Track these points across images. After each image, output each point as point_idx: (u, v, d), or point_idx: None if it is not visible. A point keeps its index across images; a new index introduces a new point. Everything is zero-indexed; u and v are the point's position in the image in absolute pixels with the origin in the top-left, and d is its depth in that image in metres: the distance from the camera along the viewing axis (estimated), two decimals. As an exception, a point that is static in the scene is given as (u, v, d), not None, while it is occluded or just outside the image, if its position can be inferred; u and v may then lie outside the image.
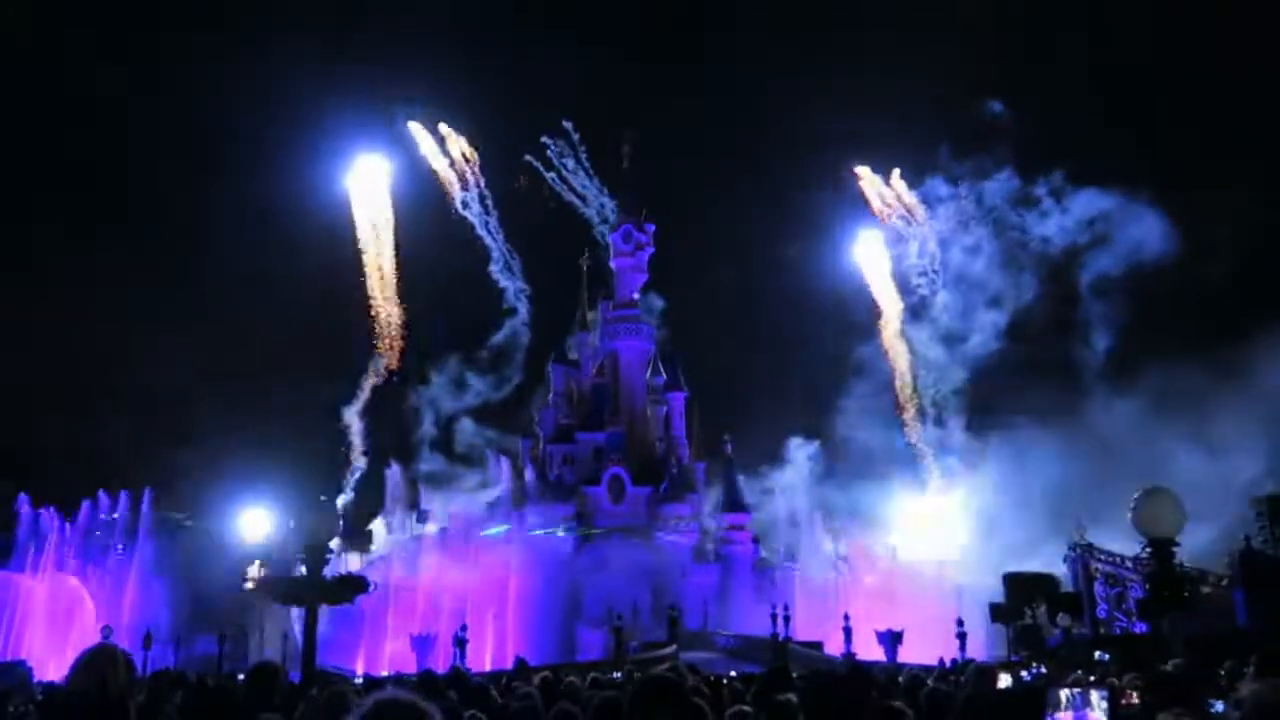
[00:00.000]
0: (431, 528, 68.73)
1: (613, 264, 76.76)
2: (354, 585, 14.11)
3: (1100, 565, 48.74)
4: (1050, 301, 66.41)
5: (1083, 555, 49.11)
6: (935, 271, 71.00)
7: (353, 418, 72.54)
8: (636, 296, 76.41)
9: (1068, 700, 5.43)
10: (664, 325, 77.74)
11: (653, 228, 76.38)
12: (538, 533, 64.58)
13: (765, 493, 68.48)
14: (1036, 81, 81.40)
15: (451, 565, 60.61)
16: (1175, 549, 11.88)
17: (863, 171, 75.23)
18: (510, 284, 78.43)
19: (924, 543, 63.44)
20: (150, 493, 62.66)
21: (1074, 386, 62.13)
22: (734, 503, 69.61)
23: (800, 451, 67.08)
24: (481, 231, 77.55)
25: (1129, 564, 43.52)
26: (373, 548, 68.02)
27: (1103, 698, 5.56)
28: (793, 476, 66.97)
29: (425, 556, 63.13)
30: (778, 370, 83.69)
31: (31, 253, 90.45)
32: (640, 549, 65.01)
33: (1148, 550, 11.87)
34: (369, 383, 72.52)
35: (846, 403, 68.39)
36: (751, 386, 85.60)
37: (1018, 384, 63.39)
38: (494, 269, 78.03)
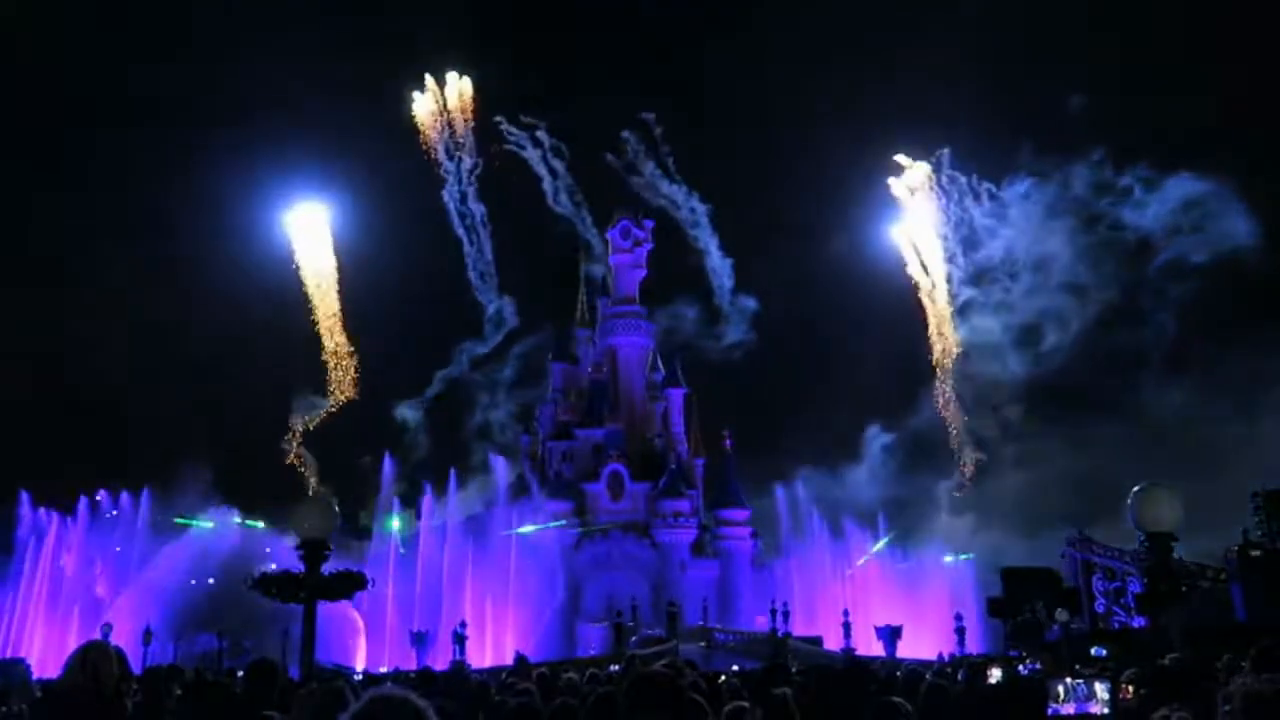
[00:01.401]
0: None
1: (611, 260, 76.56)
2: (353, 581, 14.07)
3: (1098, 560, 48.86)
4: (1123, 293, 65.49)
5: (1081, 550, 49.24)
6: (1012, 275, 70.50)
7: (411, 411, 73.26)
8: (636, 292, 76.21)
9: (1067, 692, 5.44)
10: (753, 328, 76.20)
11: (651, 224, 76.08)
12: (536, 529, 64.57)
13: (834, 486, 67.54)
14: (1118, 76, 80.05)
15: (451, 561, 60.59)
16: (1174, 543, 11.92)
17: (919, 167, 74.93)
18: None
19: (959, 537, 63.66)
20: (149, 491, 62.66)
21: (1142, 378, 61.58)
22: (733, 498, 69.66)
23: (876, 441, 67.43)
24: (581, 227, 77.73)
25: (1127, 558, 43.63)
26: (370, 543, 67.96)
27: (1106, 689, 5.57)
28: (865, 470, 67.13)
29: (425, 552, 63.09)
30: (830, 362, 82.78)
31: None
32: (639, 545, 65.10)
33: (1146, 544, 11.90)
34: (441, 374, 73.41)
35: (897, 395, 68.58)
36: (801, 381, 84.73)
37: (1082, 376, 63.13)
38: (594, 268, 78.25)
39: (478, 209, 77.31)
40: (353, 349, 74.58)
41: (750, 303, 76.13)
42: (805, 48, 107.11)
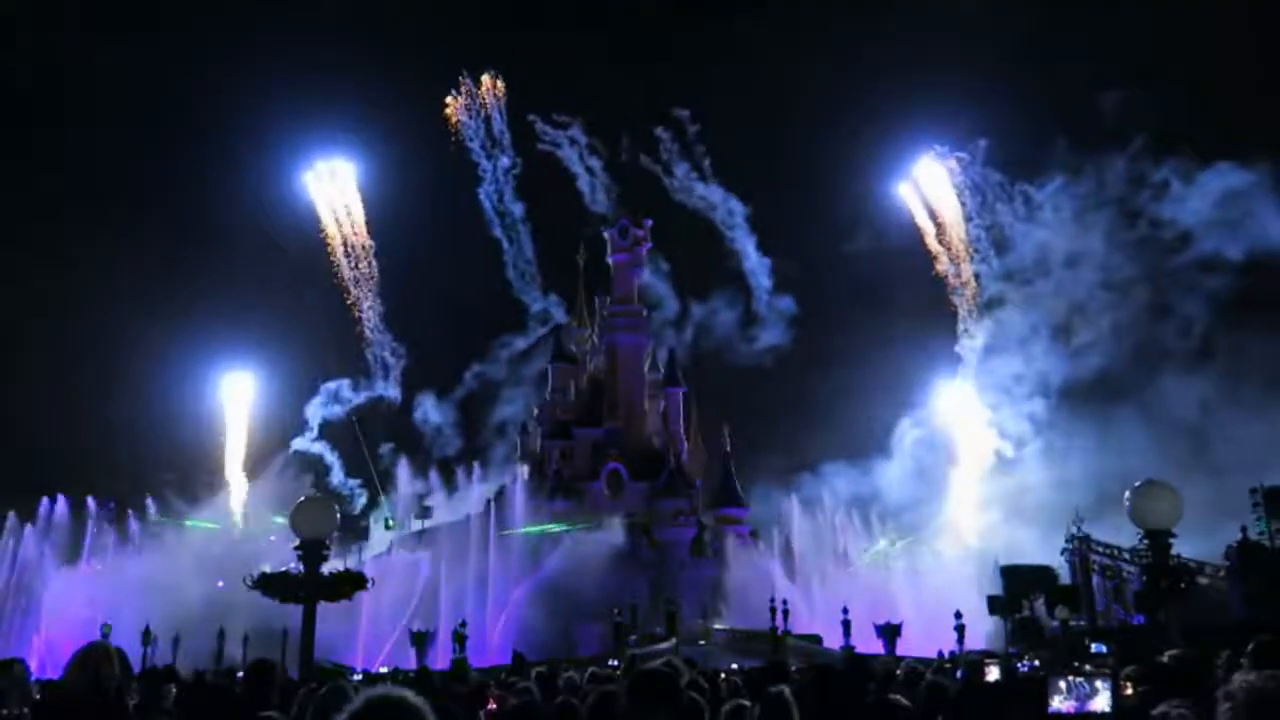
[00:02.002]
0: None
1: (610, 259, 76.46)
2: (353, 581, 14.09)
3: (1098, 558, 48.86)
4: (1155, 288, 64.73)
5: (1080, 548, 49.24)
6: (1044, 272, 70.14)
7: (439, 411, 73.36)
8: (635, 291, 76.08)
9: (1068, 689, 5.43)
10: (792, 326, 75.49)
11: (650, 222, 75.94)
12: (536, 529, 64.54)
13: (839, 485, 67.07)
14: (1153, 72, 79.17)
15: (450, 560, 60.57)
16: (1172, 540, 11.94)
17: (951, 161, 74.68)
18: (655, 283, 78.37)
19: (971, 533, 63.52)
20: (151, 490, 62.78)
21: (1165, 375, 61.06)
22: (733, 497, 69.63)
23: (887, 438, 67.38)
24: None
25: (1126, 556, 43.59)
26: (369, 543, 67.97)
27: (1106, 686, 5.57)
28: (897, 466, 67.00)
29: (424, 551, 63.08)
30: (846, 359, 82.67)
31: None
32: (638, 544, 65.02)
33: (1145, 542, 11.92)
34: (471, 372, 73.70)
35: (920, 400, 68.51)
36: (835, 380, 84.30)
37: (1110, 371, 62.75)
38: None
39: (516, 208, 77.90)
40: (396, 350, 75.13)
41: (787, 304, 75.30)
42: (831, 41, 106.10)
